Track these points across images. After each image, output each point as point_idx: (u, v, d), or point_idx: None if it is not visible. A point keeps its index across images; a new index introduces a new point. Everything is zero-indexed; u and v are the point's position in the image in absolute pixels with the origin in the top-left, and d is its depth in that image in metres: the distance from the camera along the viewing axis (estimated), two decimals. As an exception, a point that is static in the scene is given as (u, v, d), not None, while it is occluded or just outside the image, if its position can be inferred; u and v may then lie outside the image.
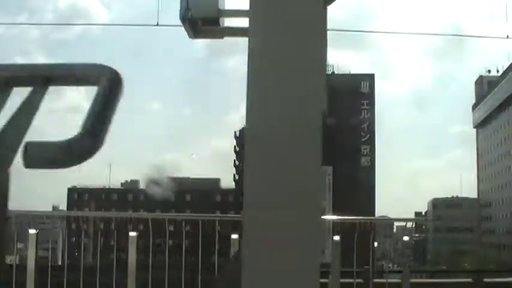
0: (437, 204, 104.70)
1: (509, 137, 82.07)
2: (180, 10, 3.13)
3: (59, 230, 13.25)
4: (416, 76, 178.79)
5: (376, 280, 8.02)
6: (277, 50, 2.07)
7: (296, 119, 2.03)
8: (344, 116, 67.98)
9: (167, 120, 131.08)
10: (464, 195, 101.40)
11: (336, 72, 71.11)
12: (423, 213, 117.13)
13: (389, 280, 8.20)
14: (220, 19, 3.14)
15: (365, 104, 70.52)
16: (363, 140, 69.98)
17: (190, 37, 3.26)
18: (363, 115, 70.18)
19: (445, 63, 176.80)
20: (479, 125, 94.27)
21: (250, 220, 2.01)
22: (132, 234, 6.81)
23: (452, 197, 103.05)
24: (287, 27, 2.07)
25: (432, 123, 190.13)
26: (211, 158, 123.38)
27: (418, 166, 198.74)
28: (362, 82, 69.89)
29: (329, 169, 69.13)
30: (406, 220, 8.49)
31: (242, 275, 1.97)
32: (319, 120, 2.03)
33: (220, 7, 3.09)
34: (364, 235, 7.61)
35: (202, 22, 3.17)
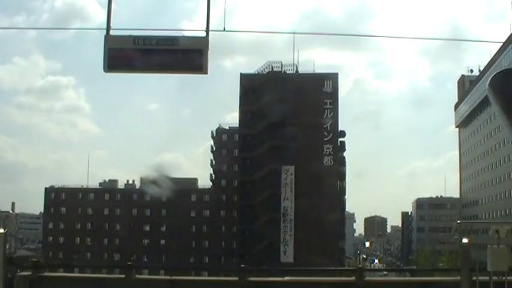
0: (420, 204, 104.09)
1: (490, 135, 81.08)
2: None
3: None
4: (413, 76, 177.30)
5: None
6: None
7: None
8: (307, 115, 68.19)
9: (164, 120, 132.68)
10: (448, 194, 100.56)
11: (299, 72, 71.23)
12: (409, 213, 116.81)
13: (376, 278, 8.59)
14: None
15: (328, 104, 70.46)
16: (325, 139, 69.96)
17: None
18: (325, 114, 70.15)
19: (442, 64, 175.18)
20: (461, 124, 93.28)
21: None
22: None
23: (436, 196, 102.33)
24: None
25: (428, 124, 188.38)
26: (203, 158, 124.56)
27: (413, 166, 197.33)
28: (325, 81, 69.94)
29: (291, 168, 69.45)
30: None
31: None
32: None
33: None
34: None
35: None
